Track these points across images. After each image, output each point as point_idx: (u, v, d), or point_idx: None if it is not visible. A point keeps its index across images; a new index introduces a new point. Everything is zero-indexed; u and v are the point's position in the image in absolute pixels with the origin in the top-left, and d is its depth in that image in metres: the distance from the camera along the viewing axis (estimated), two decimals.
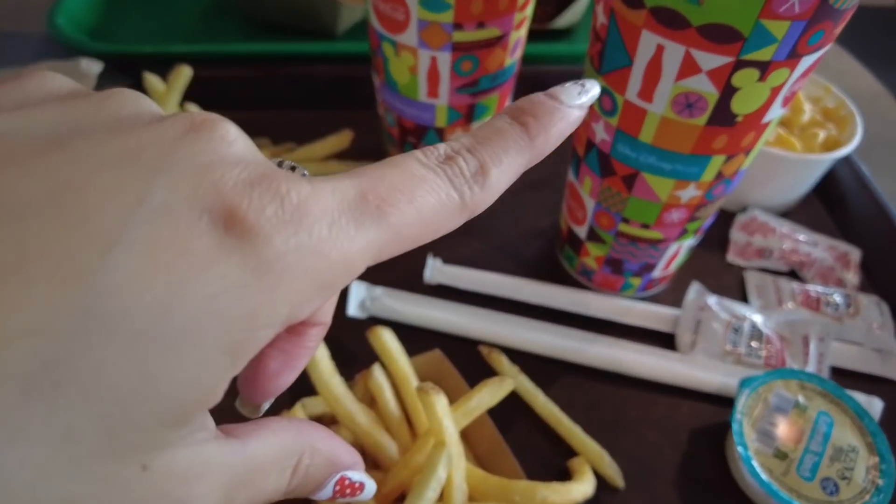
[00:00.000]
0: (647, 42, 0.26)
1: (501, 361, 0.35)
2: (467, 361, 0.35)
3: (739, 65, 0.25)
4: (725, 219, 0.46)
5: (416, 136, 0.41)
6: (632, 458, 0.33)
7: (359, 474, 0.16)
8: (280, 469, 0.14)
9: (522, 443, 0.32)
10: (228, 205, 0.11)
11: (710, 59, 0.25)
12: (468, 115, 0.39)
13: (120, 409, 0.10)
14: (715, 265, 0.43)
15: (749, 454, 0.31)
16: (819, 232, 0.46)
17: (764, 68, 0.25)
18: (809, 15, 0.23)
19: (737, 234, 0.45)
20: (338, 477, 0.15)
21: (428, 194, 0.13)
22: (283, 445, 0.14)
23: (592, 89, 0.17)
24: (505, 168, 0.14)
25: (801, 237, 0.44)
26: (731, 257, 0.44)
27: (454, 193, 0.14)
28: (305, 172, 0.13)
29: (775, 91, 0.27)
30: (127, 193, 0.10)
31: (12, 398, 0.09)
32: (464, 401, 0.29)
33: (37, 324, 0.09)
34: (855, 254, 0.44)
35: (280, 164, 0.14)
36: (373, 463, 0.29)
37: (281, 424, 0.14)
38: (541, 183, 0.48)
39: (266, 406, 0.16)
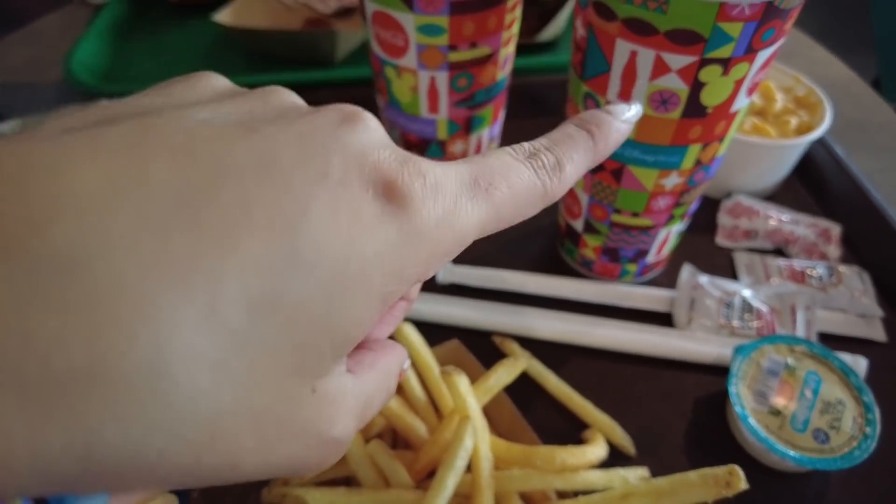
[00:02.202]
0: (622, 49, 0.30)
1: (514, 348, 0.38)
2: (482, 351, 0.38)
3: (704, 63, 0.29)
4: (712, 205, 0.49)
5: (420, 149, 0.44)
6: (641, 428, 0.36)
7: (406, 362, 0.19)
8: (385, 392, 0.17)
9: (540, 421, 0.35)
10: (389, 179, 0.13)
11: (678, 60, 0.29)
12: (466, 127, 0.43)
13: (310, 337, 0.12)
14: (706, 248, 0.47)
15: (746, 413, 0.34)
16: (802, 211, 0.49)
17: (725, 64, 0.29)
18: (759, 16, 0.27)
19: (724, 219, 0.48)
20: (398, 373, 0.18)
21: (520, 181, 0.16)
22: (384, 376, 0.17)
23: (636, 108, 0.20)
24: (576, 165, 0.17)
25: (784, 217, 0.47)
26: (720, 240, 0.47)
27: (538, 182, 0.16)
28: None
29: (738, 83, 0.30)
30: (312, 167, 0.13)
31: (243, 318, 0.11)
32: (483, 380, 0.32)
33: (261, 261, 0.11)
34: (835, 229, 0.47)
35: None
36: (404, 443, 0.32)
37: (376, 358, 0.17)
38: None
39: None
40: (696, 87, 0.30)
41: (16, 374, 0.10)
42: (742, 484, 0.26)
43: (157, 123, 0.12)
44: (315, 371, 0.13)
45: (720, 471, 0.26)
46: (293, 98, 0.15)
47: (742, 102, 0.32)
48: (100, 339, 0.10)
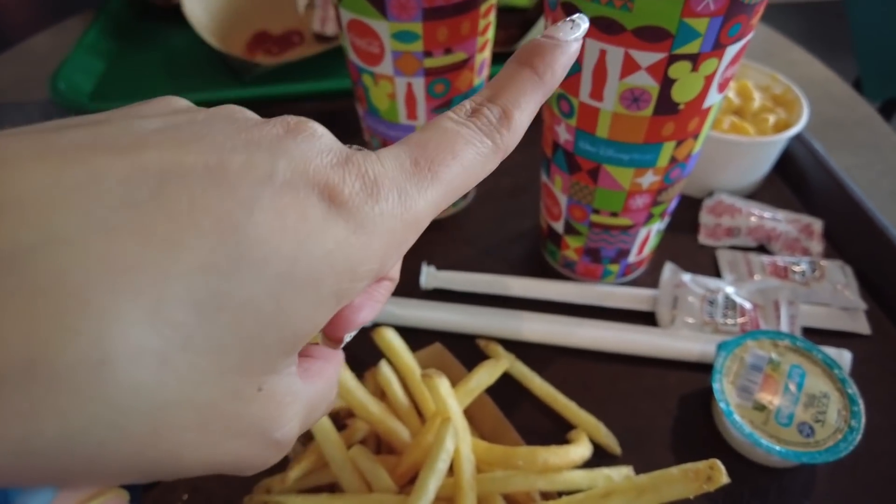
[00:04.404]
0: (591, 48, 0.30)
1: (498, 351, 0.38)
2: (466, 355, 0.38)
3: (673, 59, 0.29)
4: (694, 205, 0.49)
5: None
6: (626, 427, 0.36)
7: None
8: (327, 402, 0.17)
9: (524, 423, 0.35)
10: (330, 182, 0.14)
11: (647, 57, 0.29)
12: None
13: (257, 334, 0.12)
14: (688, 247, 0.47)
15: (731, 409, 0.34)
16: (785, 208, 0.49)
17: (694, 60, 0.29)
18: (724, 11, 0.27)
19: (706, 218, 0.48)
20: None
21: (466, 146, 0.16)
22: (329, 385, 0.17)
23: (583, 23, 0.19)
24: (524, 108, 0.17)
25: (766, 214, 0.47)
26: (703, 239, 0.47)
27: (487, 140, 0.16)
28: (366, 150, 0.16)
29: (709, 79, 0.30)
30: (259, 170, 0.13)
31: (188, 316, 0.11)
32: (464, 382, 0.32)
33: (207, 262, 0.12)
34: (817, 224, 0.47)
35: (350, 147, 0.16)
36: (387, 447, 0.32)
37: (322, 367, 0.17)
38: (520, 190, 0.52)
39: (348, 338, 0.18)
40: (667, 83, 0.30)
41: None
42: (723, 478, 0.25)
43: (107, 130, 0.13)
44: (261, 368, 0.13)
45: (701, 465, 0.26)
46: (246, 112, 0.16)
47: (714, 98, 0.32)
48: (40, 334, 0.10)
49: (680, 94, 0.31)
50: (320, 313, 0.14)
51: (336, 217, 0.13)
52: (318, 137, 0.15)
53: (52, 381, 0.10)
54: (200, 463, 0.13)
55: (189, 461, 0.12)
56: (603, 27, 0.29)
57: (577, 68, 0.32)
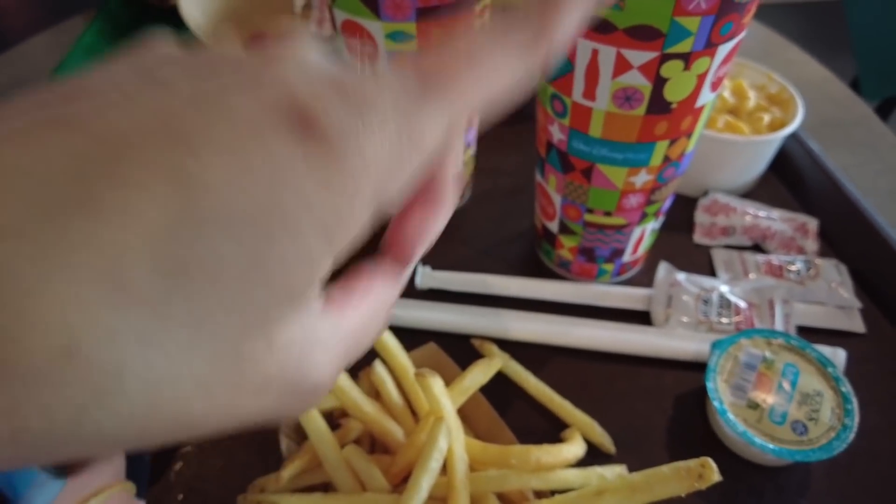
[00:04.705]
0: (584, 48, 0.30)
1: (492, 351, 0.38)
2: (461, 355, 0.38)
3: (665, 58, 0.29)
4: (689, 204, 0.49)
5: None
6: (622, 426, 0.36)
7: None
8: (377, 325, 0.16)
9: (519, 422, 0.35)
10: (304, 116, 0.12)
11: (639, 56, 0.29)
12: None
13: (240, 293, 0.11)
14: (684, 247, 0.47)
15: (724, 407, 0.34)
16: (781, 207, 0.49)
17: (686, 59, 0.29)
18: (716, 10, 0.27)
19: (701, 217, 0.48)
20: None
21: (494, 62, 0.14)
22: (377, 306, 0.16)
23: None
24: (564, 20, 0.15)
25: (761, 213, 0.47)
26: (698, 238, 0.47)
27: (518, 57, 0.14)
28: (368, 63, 0.14)
29: (701, 78, 0.30)
30: (220, 118, 0.11)
31: (155, 287, 0.10)
32: (458, 381, 0.32)
33: (164, 226, 0.10)
34: (812, 223, 0.47)
35: (348, 54, 0.14)
36: (381, 447, 0.32)
37: (369, 286, 0.16)
38: (518, 190, 0.52)
39: (417, 257, 0.17)
40: (659, 82, 0.30)
41: None
42: (714, 476, 0.26)
43: (60, 112, 0.12)
44: (261, 324, 0.12)
45: (692, 463, 0.26)
46: (223, 53, 0.14)
47: (707, 97, 0.32)
48: (2, 335, 0.10)
49: (672, 93, 0.31)
50: (310, 255, 0.12)
51: (310, 155, 0.12)
52: (300, 60, 0.13)
53: (27, 379, 0.10)
54: (221, 424, 0.12)
55: (204, 427, 0.12)
56: (595, 26, 0.29)
57: (569, 68, 0.32)
